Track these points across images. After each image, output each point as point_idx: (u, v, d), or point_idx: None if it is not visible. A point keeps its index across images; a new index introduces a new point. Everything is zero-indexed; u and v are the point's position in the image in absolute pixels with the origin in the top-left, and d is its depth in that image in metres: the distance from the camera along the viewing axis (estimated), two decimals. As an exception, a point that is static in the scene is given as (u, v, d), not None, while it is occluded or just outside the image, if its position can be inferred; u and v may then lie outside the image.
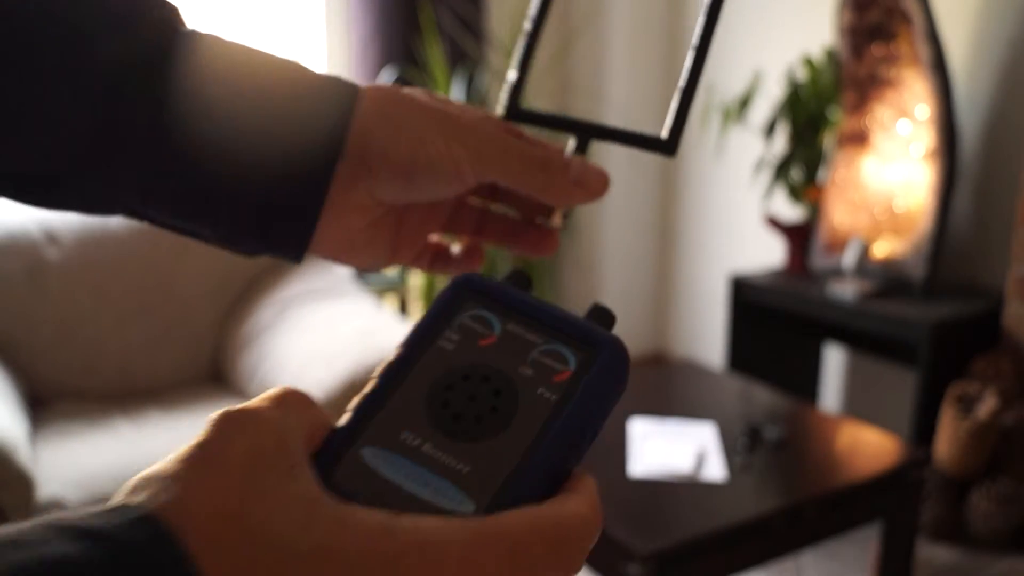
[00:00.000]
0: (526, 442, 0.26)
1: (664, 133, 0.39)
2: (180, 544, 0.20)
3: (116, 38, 0.32)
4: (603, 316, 0.31)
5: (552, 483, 0.27)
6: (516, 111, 0.40)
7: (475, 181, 0.35)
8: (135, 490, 0.22)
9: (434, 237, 0.42)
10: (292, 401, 0.25)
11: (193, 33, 0.34)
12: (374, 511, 0.23)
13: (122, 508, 0.21)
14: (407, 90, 0.36)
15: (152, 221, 0.35)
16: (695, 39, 0.39)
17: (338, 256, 0.37)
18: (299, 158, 0.33)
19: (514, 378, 0.28)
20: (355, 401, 0.28)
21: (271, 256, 0.36)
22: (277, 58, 0.35)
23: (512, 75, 0.40)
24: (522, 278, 0.31)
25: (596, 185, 0.37)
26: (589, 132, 0.40)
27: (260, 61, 0.34)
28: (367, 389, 0.28)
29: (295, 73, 0.34)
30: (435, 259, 0.42)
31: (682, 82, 0.39)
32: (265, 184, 0.34)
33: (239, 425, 0.23)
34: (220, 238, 0.35)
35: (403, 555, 0.22)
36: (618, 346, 0.29)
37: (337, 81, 0.35)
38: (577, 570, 0.25)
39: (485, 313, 0.30)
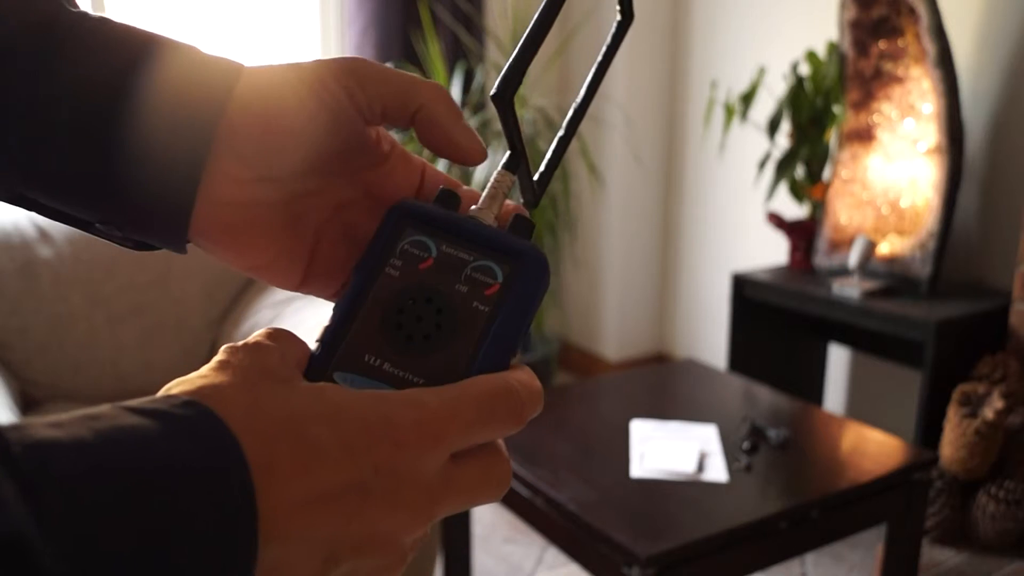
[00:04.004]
0: (468, 351, 0.32)
1: (535, 176, 0.38)
2: (220, 418, 0.25)
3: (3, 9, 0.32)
4: (524, 225, 0.35)
5: None
6: (507, 99, 0.35)
7: (355, 109, 0.34)
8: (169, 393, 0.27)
9: None
10: (282, 335, 0.31)
11: (81, 14, 0.33)
12: None
13: (168, 397, 0.26)
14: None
15: (36, 207, 0.35)
16: (579, 98, 0.38)
17: (221, 244, 0.35)
18: (178, 132, 0.33)
19: (452, 296, 0.33)
20: (321, 332, 0.33)
21: (156, 244, 0.35)
22: (165, 37, 0.34)
23: (515, 60, 0.35)
24: (450, 197, 0.35)
25: (469, 148, 0.35)
26: (521, 162, 0.37)
27: (144, 39, 0.33)
28: (330, 321, 0.33)
29: (183, 51, 0.33)
30: None
31: (561, 132, 0.38)
32: (144, 160, 0.33)
33: (245, 350, 0.29)
34: (104, 223, 0.35)
35: (396, 412, 0.28)
36: (536, 255, 0.33)
37: (223, 61, 0.34)
38: (522, 425, 0.31)
39: (422, 237, 0.34)
